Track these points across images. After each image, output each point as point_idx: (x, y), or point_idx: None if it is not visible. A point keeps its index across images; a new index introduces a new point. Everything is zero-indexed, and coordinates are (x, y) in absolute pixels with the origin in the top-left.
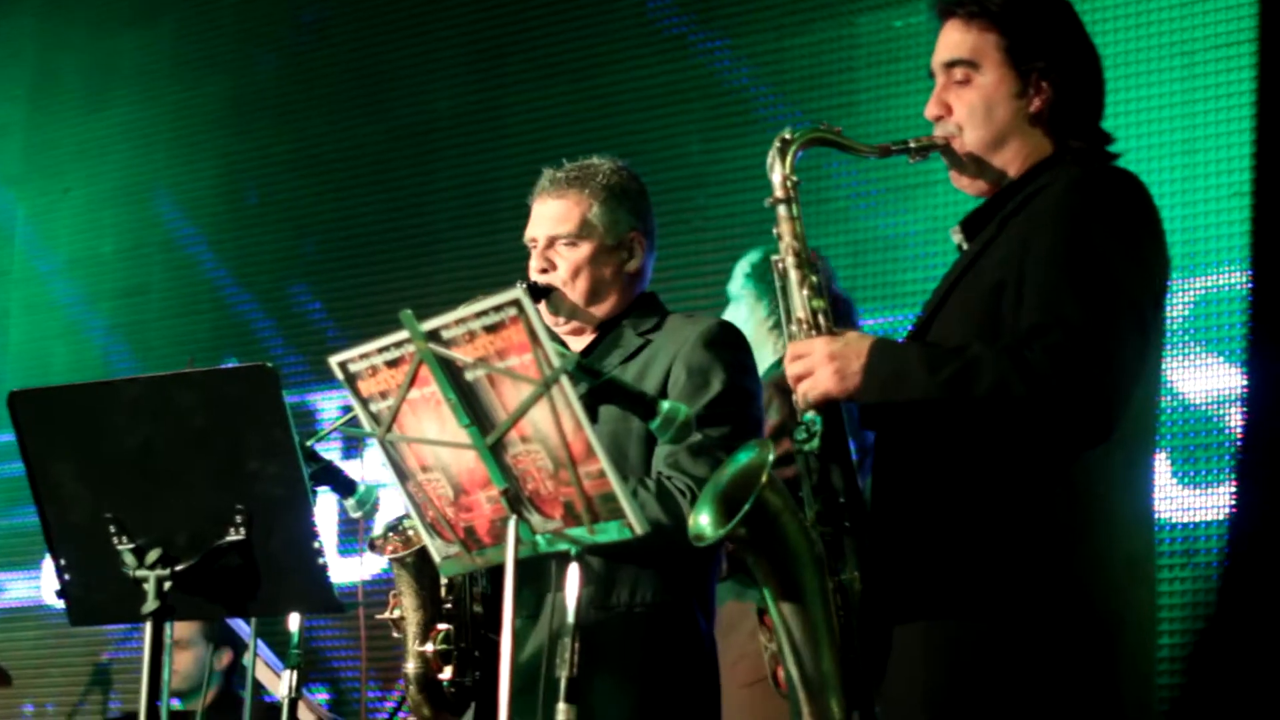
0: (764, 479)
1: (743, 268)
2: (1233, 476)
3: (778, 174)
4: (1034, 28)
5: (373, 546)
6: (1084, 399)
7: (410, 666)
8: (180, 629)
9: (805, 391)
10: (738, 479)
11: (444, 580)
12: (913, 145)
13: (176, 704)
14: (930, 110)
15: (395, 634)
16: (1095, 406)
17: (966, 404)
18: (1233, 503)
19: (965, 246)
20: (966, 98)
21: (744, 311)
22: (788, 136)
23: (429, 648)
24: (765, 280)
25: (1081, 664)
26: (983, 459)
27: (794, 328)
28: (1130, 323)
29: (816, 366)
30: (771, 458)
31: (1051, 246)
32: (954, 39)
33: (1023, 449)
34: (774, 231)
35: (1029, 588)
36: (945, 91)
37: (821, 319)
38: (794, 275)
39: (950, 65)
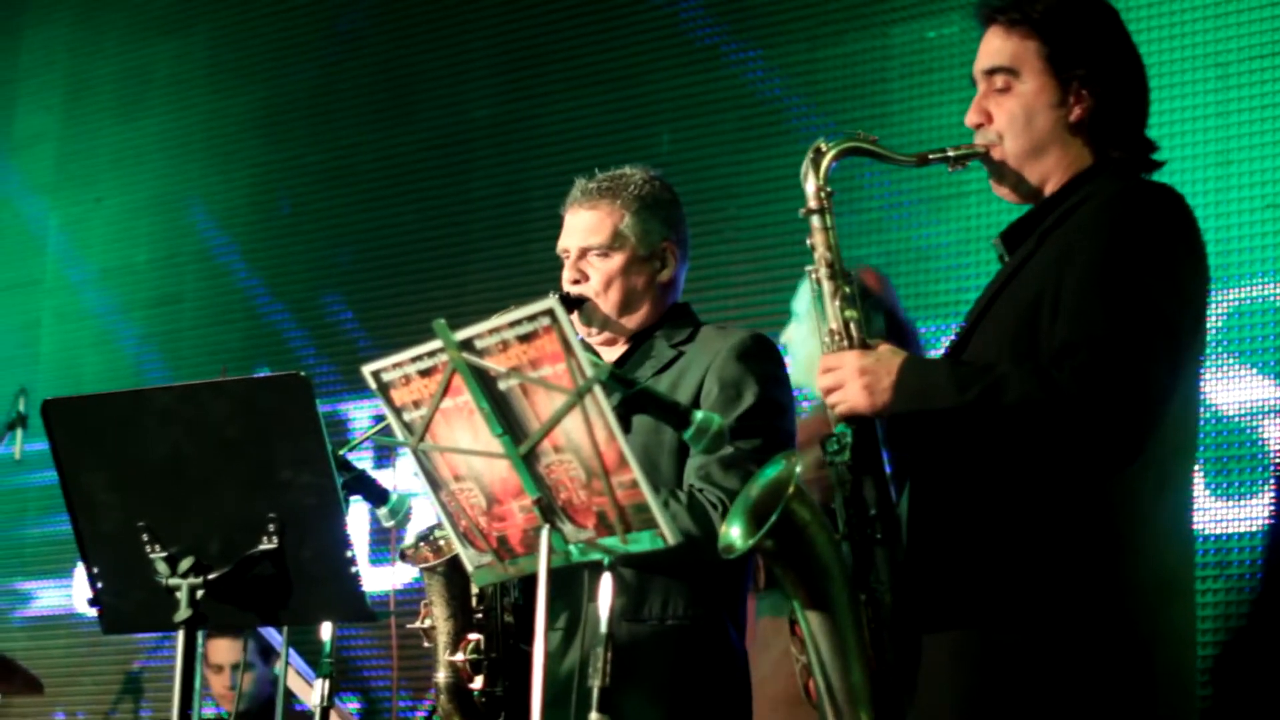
0: (790, 491)
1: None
2: (1267, 488)
3: (811, 184)
4: (1075, 36)
5: (404, 556)
6: (1110, 419)
7: (441, 676)
8: (232, 653)
9: (835, 404)
10: (766, 492)
11: (475, 590)
12: (951, 154)
13: (208, 713)
14: (970, 118)
15: (426, 643)
16: (1122, 426)
17: (992, 422)
18: (1267, 514)
19: (1006, 258)
20: (1006, 106)
21: (805, 330)
22: (822, 147)
23: (460, 657)
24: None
25: (1115, 680)
26: (1018, 476)
27: (826, 339)
28: (1163, 341)
29: (847, 380)
30: (800, 470)
31: (1087, 263)
32: (995, 46)
33: (1053, 467)
34: (807, 242)
35: (1063, 604)
36: (985, 99)
37: (854, 329)
38: (827, 286)
39: (991, 73)
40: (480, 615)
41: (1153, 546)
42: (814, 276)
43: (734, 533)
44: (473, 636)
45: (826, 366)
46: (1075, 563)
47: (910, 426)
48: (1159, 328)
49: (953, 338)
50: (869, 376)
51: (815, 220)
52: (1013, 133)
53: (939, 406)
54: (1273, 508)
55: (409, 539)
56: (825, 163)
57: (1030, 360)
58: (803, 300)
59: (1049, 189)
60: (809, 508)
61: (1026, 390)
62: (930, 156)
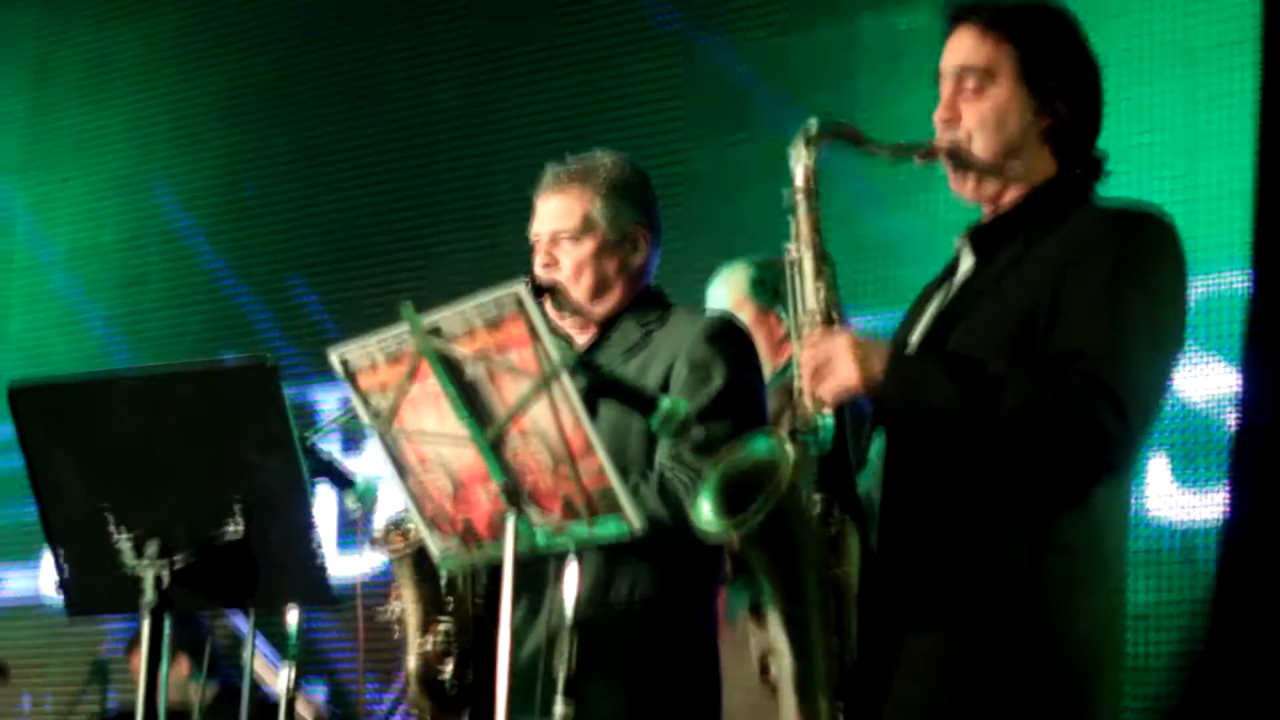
0: (785, 483)
1: (736, 285)
2: (1230, 478)
3: (802, 166)
4: (1049, 46)
5: (373, 543)
6: (1111, 429)
7: (410, 663)
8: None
9: (826, 381)
10: (749, 470)
11: (444, 577)
12: (922, 148)
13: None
14: (940, 114)
15: (395, 630)
16: (1120, 438)
17: (992, 417)
18: (1230, 504)
19: (966, 255)
20: (979, 107)
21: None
22: (814, 130)
23: (429, 644)
24: (770, 289)
25: (1070, 691)
26: (996, 472)
27: (805, 319)
28: (1160, 362)
29: (837, 355)
30: (793, 457)
31: (1092, 280)
32: (968, 46)
33: (1038, 469)
34: (790, 221)
35: (1028, 606)
36: (956, 97)
37: (834, 313)
38: (809, 267)
39: (963, 72)
40: (449, 602)
41: (1112, 555)
42: (794, 256)
43: (705, 509)
44: (442, 623)
45: (813, 342)
46: (1045, 568)
47: (901, 410)
48: (1158, 348)
49: (922, 333)
50: (861, 351)
51: (803, 201)
52: (984, 134)
53: (935, 393)
54: (1236, 497)
55: (379, 525)
56: (817, 145)
57: (1026, 364)
58: (729, 299)
59: (1010, 194)
60: (795, 495)
61: (1033, 390)
62: (903, 148)
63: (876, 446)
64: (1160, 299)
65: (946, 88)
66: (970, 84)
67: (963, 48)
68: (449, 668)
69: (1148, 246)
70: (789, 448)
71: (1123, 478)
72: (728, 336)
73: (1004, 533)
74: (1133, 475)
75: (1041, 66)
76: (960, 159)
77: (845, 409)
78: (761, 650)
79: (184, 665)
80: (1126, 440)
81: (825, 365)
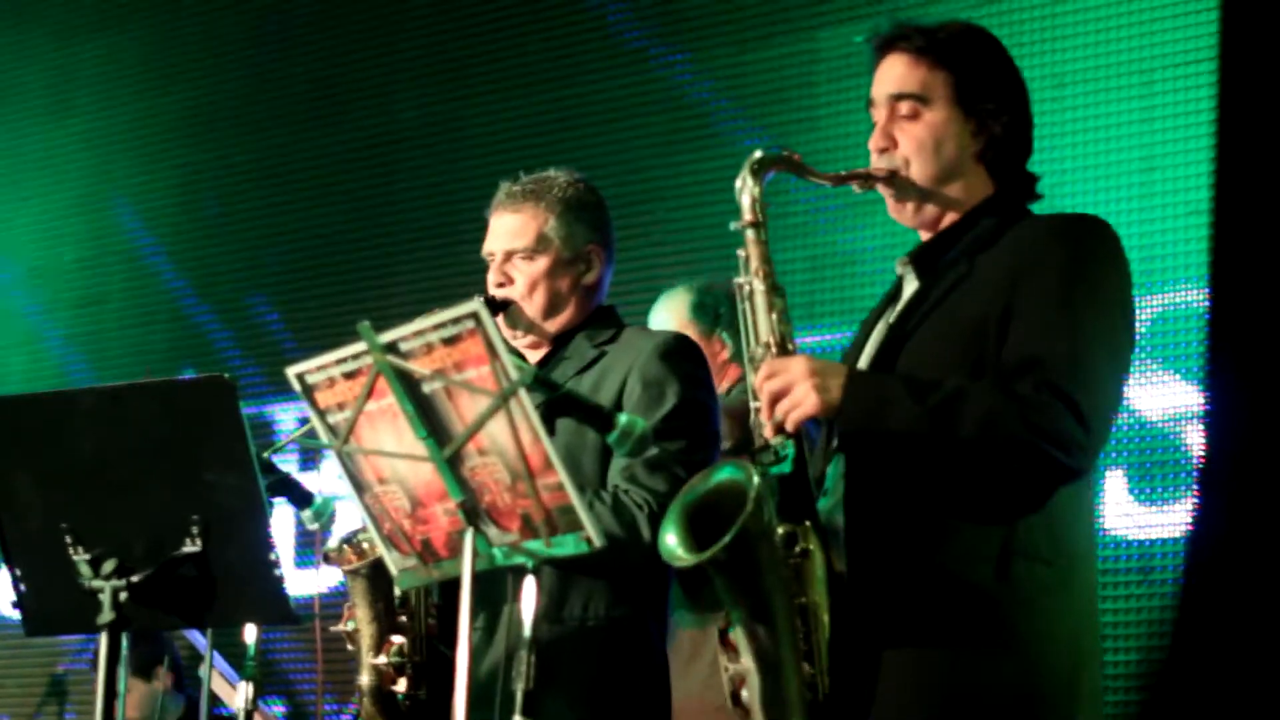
0: (749, 507)
1: (678, 309)
2: (1190, 494)
3: (748, 197)
4: (980, 68)
5: (327, 559)
6: (1072, 434)
7: (364, 679)
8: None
9: (786, 410)
10: (711, 498)
11: (398, 593)
12: (861, 175)
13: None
14: (875, 141)
15: (349, 646)
16: (1082, 442)
17: (953, 433)
18: (1190, 520)
19: (909, 279)
20: (914, 132)
21: None
22: (758, 160)
23: (382, 660)
24: (712, 313)
25: (1053, 697)
26: (958, 486)
27: (760, 350)
28: (1116, 366)
29: (796, 383)
30: (758, 481)
31: (1043, 287)
32: (899, 72)
33: (1001, 479)
34: (739, 254)
35: (1001, 618)
36: (890, 124)
37: (789, 344)
38: (761, 300)
39: (898, 99)
40: (403, 618)
41: (1083, 561)
42: (745, 288)
43: (671, 539)
44: (396, 639)
45: (771, 371)
46: (1015, 579)
47: (862, 432)
48: (1113, 352)
49: (871, 356)
50: (819, 378)
51: (750, 233)
52: (921, 159)
53: (895, 413)
54: (1196, 513)
55: (333, 541)
56: (762, 176)
57: (983, 378)
58: (661, 313)
59: (949, 217)
60: (759, 520)
61: (992, 402)
62: (843, 176)
63: (834, 469)
64: (1112, 303)
65: (879, 115)
66: (904, 110)
67: (894, 74)
68: (402, 684)
69: (1095, 252)
70: (754, 471)
71: (1084, 480)
72: (681, 354)
73: (969, 544)
74: (1093, 478)
75: (975, 89)
76: (899, 185)
77: (802, 434)
78: (731, 676)
79: (167, 679)
80: (1088, 445)
81: (783, 392)
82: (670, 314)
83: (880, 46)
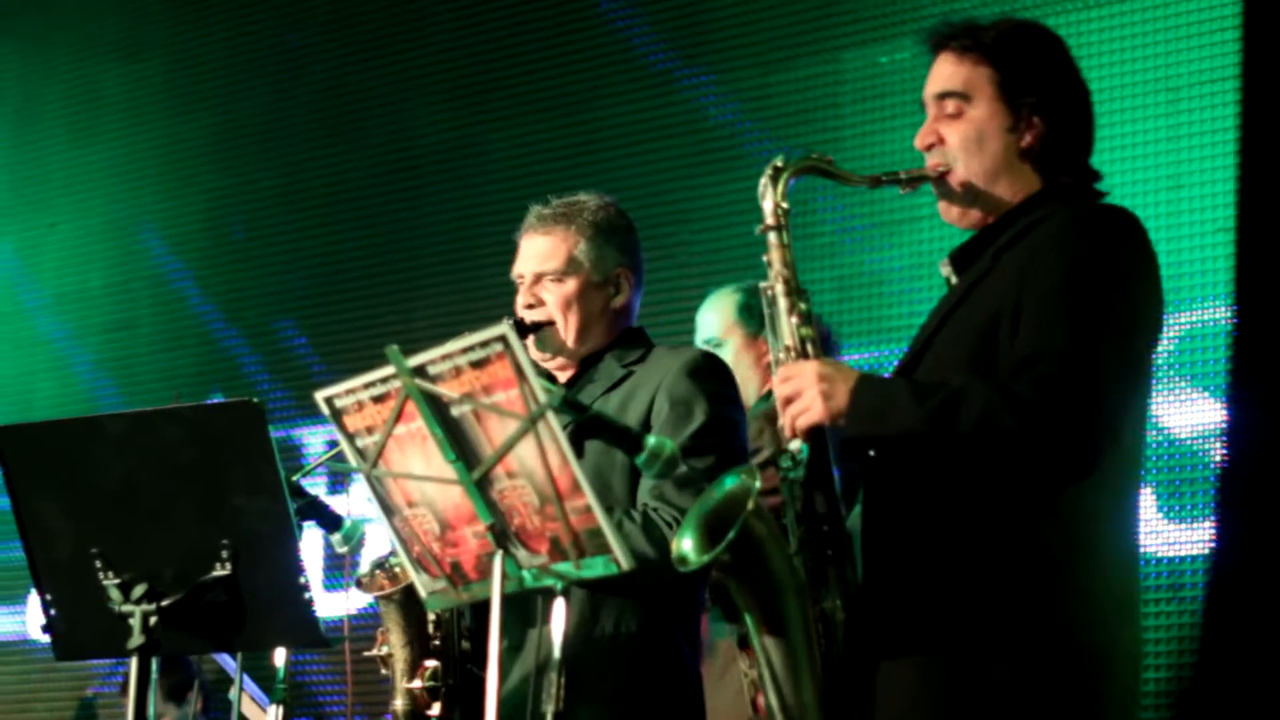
0: (750, 506)
1: (725, 310)
2: (1217, 511)
3: (769, 201)
4: (1026, 64)
5: (359, 584)
6: (1069, 431)
7: (398, 704)
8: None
9: (794, 415)
10: (722, 505)
11: (431, 616)
12: (904, 176)
13: None
14: (921, 140)
15: (383, 671)
16: (1080, 439)
17: (952, 434)
18: (1217, 537)
19: (954, 280)
20: (959, 129)
21: (730, 353)
22: (779, 164)
23: (417, 684)
24: (759, 315)
25: (1069, 702)
26: (972, 492)
27: (781, 354)
28: (1121, 358)
29: (805, 388)
30: (757, 485)
31: (1048, 282)
32: (946, 71)
33: (1009, 481)
34: (764, 259)
35: (1017, 624)
36: (936, 123)
37: (810, 348)
38: (783, 303)
39: (942, 97)
40: (437, 642)
41: (1109, 563)
42: (769, 293)
43: (686, 545)
44: (429, 664)
45: (785, 375)
46: (1031, 580)
47: (866, 438)
48: (1117, 345)
49: (900, 361)
50: (826, 384)
51: (772, 237)
52: (966, 156)
53: (897, 417)
54: (1222, 530)
55: (364, 566)
56: (783, 180)
57: (990, 375)
58: (717, 325)
59: (994, 216)
60: (765, 523)
61: (988, 401)
62: (883, 178)
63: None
64: (1122, 288)
65: (929, 115)
66: (949, 108)
67: (941, 74)
68: (436, 708)
69: (1107, 240)
70: (752, 475)
71: (1109, 476)
72: (708, 372)
73: (985, 547)
74: (1122, 482)
75: (1018, 84)
76: (947, 184)
77: (827, 440)
78: (751, 683)
79: (199, 703)
80: (1086, 440)
81: (794, 397)
82: (717, 314)
83: (933, 47)
